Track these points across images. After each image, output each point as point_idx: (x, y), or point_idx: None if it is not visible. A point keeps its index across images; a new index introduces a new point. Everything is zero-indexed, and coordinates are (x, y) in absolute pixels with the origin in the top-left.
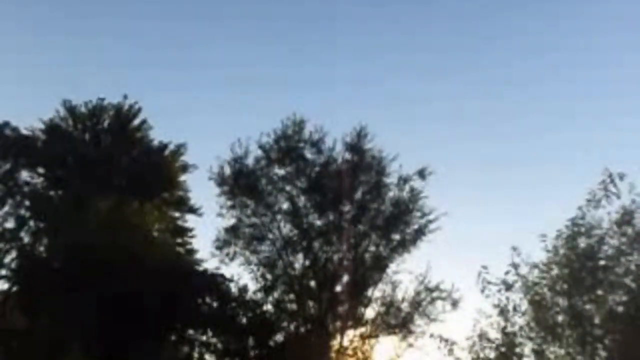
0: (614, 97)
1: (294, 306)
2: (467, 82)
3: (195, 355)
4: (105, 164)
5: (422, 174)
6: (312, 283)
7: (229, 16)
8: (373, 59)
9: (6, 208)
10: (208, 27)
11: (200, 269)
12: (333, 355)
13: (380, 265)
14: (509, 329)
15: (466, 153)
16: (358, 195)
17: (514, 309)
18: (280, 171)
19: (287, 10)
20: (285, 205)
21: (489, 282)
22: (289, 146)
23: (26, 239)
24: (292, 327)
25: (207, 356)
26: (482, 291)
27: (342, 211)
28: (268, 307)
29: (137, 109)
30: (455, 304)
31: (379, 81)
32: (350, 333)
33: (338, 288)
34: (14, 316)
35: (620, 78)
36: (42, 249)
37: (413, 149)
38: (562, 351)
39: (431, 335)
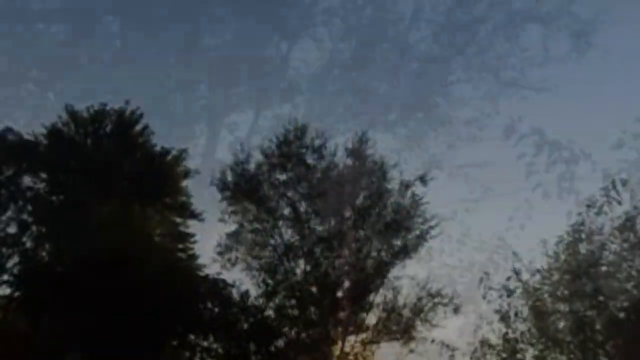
0: (615, 98)
1: (295, 312)
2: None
3: None
4: (108, 169)
5: (423, 179)
6: (314, 289)
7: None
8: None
9: (8, 213)
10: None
11: (202, 274)
12: None
13: (381, 270)
14: (511, 335)
15: (467, 155)
16: (359, 200)
17: (515, 314)
18: (282, 176)
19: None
20: (286, 211)
21: (491, 288)
22: (290, 151)
23: (28, 244)
24: (293, 332)
25: None
26: (484, 297)
27: (343, 217)
28: (269, 312)
29: (139, 114)
30: (456, 309)
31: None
32: (351, 339)
33: (339, 294)
34: (16, 321)
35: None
36: (44, 254)
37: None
38: (564, 357)
39: (433, 341)
